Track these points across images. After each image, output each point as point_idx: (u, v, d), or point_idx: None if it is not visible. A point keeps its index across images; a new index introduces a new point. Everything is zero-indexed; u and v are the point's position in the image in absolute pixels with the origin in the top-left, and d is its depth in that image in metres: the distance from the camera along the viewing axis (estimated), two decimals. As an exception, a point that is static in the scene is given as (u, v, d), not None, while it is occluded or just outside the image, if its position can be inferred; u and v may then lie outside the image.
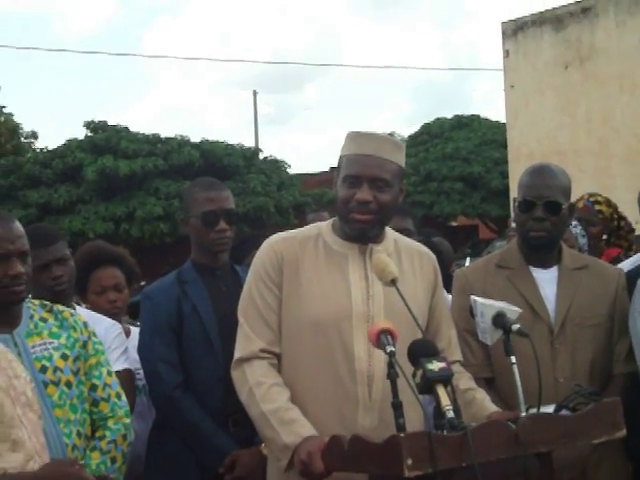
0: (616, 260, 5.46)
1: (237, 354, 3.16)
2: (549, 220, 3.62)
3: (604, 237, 5.83)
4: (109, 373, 3.32)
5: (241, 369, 3.13)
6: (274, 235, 3.30)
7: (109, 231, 27.41)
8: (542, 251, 3.70)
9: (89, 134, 29.89)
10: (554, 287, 3.67)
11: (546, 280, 3.68)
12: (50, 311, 3.26)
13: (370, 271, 3.14)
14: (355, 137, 3.21)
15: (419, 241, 4.40)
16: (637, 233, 9.54)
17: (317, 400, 3.07)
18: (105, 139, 28.60)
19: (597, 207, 5.78)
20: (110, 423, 3.23)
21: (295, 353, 3.11)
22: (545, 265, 3.71)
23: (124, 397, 3.35)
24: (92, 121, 30.21)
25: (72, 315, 3.31)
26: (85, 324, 3.33)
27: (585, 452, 3.36)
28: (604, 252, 5.75)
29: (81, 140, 29.37)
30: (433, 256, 3.42)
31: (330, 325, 3.08)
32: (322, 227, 3.29)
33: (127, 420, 3.29)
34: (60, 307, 3.32)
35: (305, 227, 3.38)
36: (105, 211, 27.80)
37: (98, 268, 4.53)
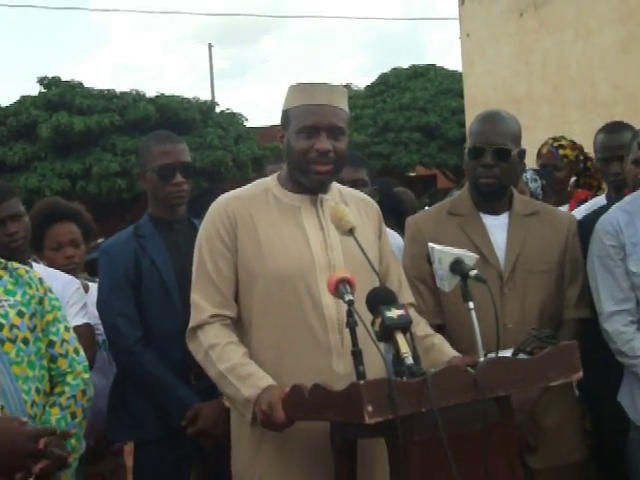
0: (584, 203, 5.51)
1: (190, 324, 3.16)
2: (498, 166, 3.63)
3: (572, 180, 5.86)
4: (67, 329, 3.30)
5: (194, 337, 3.14)
6: (221, 196, 3.27)
7: (66, 188, 27.16)
8: (492, 197, 3.71)
9: (43, 90, 29.52)
10: (504, 233, 3.69)
11: (496, 226, 3.70)
12: (5, 268, 3.22)
13: (324, 221, 3.16)
14: (304, 88, 3.18)
15: (375, 190, 4.42)
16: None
17: (291, 352, 3.07)
18: (59, 95, 28.26)
19: (561, 152, 5.80)
20: (69, 379, 3.21)
21: (264, 309, 3.10)
22: (496, 212, 3.73)
23: (82, 352, 3.33)
24: (45, 77, 29.80)
25: (27, 272, 3.28)
26: (41, 280, 3.30)
27: (533, 396, 3.41)
28: (573, 195, 5.78)
29: (35, 96, 29.00)
30: (375, 203, 3.44)
31: (296, 277, 3.08)
32: (268, 182, 3.28)
33: (86, 375, 3.28)
34: (15, 264, 3.28)
35: (250, 184, 3.35)
36: (61, 168, 27.55)
37: (54, 224, 4.49)
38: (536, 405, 3.52)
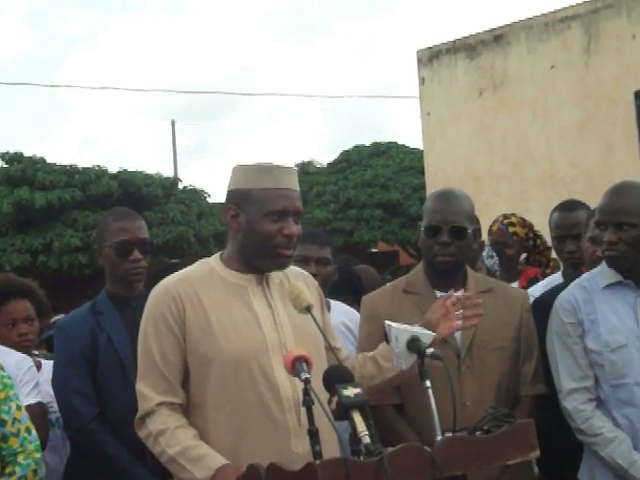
0: (534, 281, 5.56)
1: (137, 415, 3.10)
2: (454, 244, 3.66)
3: (523, 257, 5.91)
4: (18, 407, 3.26)
5: (143, 425, 3.08)
6: (165, 279, 3.20)
7: (26, 263, 26.98)
8: (448, 275, 3.73)
9: (4, 166, 29.45)
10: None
11: None
12: None
13: (272, 299, 3.15)
14: (267, 170, 3.16)
15: (335, 268, 4.43)
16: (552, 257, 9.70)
17: (249, 434, 3.03)
18: (21, 170, 28.20)
19: (511, 229, 5.86)
20: (20, 458, 3.16)
21: (219, 392, 3.05)
22: (450, 289, 3.73)
23: (34, 432, 3.28)
24: (7, 152, 29.77)
25: None
26: None
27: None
28: (523, 273, 5.83)
29: (-4, 172, 28.92)
30: (313, 278, 3.43)
31: (249, 358, 3.05)
32: (211, 262, 3.24)
33: (37, 455, 3.23)
34: None
35: (193, 265, 3.30)
36: (21, 243, 27.37)
37: (8, 301, 4.45)
38: None
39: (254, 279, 3.17)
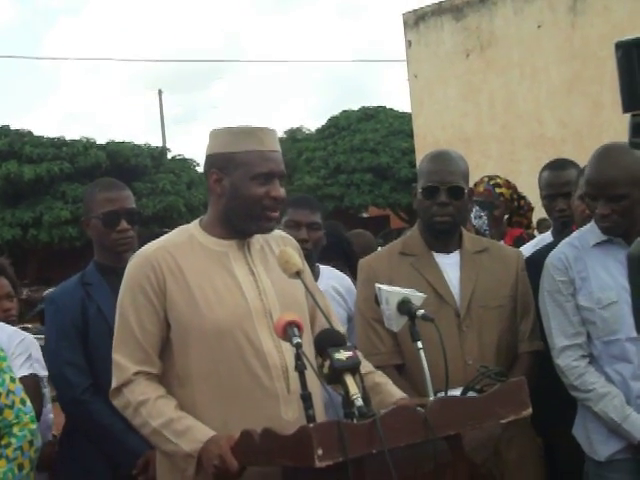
0: (519, 239, 5.59)
1: (113, 384, 3.04)
2: (452, 205, 3.66)
3: (506, 217, 5.94)
4: (12, 379, 3.26)
5: (120, 395, 3.02)
6: (143, 247, 3.14)
7: (17, 237, 26.97)
8: (446, 236, 3.73)
9: (-9, 139, 29.33)
10: (457, 271, 3.71)
11: (449, 265, 3.72)
12: None
13: (253, 265, 3.10)
14: (251, 132, 3.08)
15: (325, 234, 4.41)
16: (540, 217, 9.73)
17: (238, 403, 2.99)
18: (8, 144, 28.11)
19: (497, 190, 5.87)
20: (15, 430, 3.17)
21: (205, 361, 3.00)
22: (447, 250, 3.75)
23: (29, 403, 3.29)
24: (-6, 126, 29.65)
25: None
26: None
27: (496, 432, 3.41)
28: (507, 232, 5.85)
29: (-17, 146, 28.81)
30: (292, 238, 3.37)
31: (234, 327, 3.00)
32: (191, 229, 3.17)
33: (33, 426, 3.23)
34: None
35: (171, 232, 3.23)
36: (12, 217, 27.34)
37: None
38: (499, 441, 3.53)
39: (235, 245, 3.12)
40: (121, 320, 3.07)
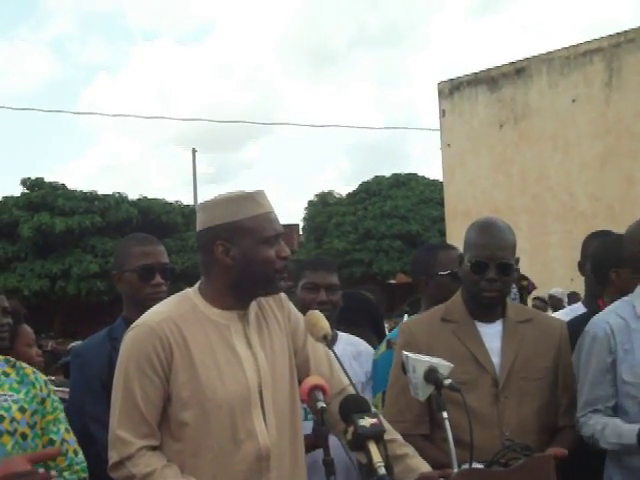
0: None
1: (114, 458, 2.97)
2: (501, 280, 3.61)
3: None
4: (67, 430, 3.28)
5: (123, 468, 2.96)
6: (148, 315, 3.08)
7: (45, 288, 27.13)
8: (492, 308, 3.70)
9: (25, 191, 29.67)
10: (499, 341, 3.66)
11: (491, 334, 3.68)
12: (13, 366, 3.25)
13: (251, 337, 3.08)
14: (249, 198, 3.08)
15: (342, 296, 4.39)
16: (572, 290, 9.67)
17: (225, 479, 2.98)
18: (42, 196, 28.42)
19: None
20: (66, 474, 3.18)
21: (200, 438, 2.98)
22: (490, 319, 3.70)
23: (82, 456, 3.29)
24: (29, 178, 30.03)
25: (34, 372, 3.29)
26: (46, 382, 3.32)
27: None
28: None
29: (17, 197, 29.15)
30: (284, 295, 3.31)
31: (234, 407, 2.98)
32: (192, 297, 3.12)
33: (84, 474, 3.23)
34: (23, 364, 3.30)
35: (172, 299, 3.18)
36: (41, 268, 27.53)
37: (21, 323, 4.50)
38: None
39: (236, 317, 3.09)
40: (125, 392, 3.00)
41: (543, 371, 3.65)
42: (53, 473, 2.93)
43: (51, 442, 3.19)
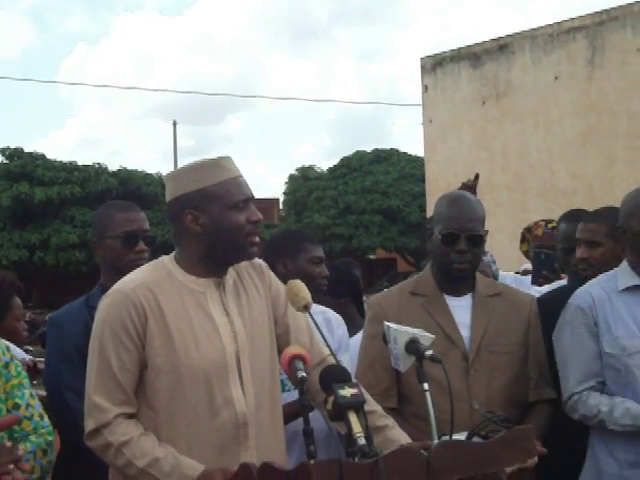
0: None
1: (90, 425, 2.92)
2: (471, 252, 3.62)
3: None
4: (32, 395, 3.24)
5: (99, 436, 2.92)
6: (123, 282, 3.04)
7: (23, 258, 27.01)
8: (461, 281, 3.70)
9: (4, 161, 29.50)
10: (468, 314, 3.67)
11: (460, 307, 3.68)
12: None
13: (227, 304, 3.05)
14: (215, 164, 3.04)
15: (340, 271, 4.37)
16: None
17: (201, 449, 2.95)
18: (21, 166, 28.26)
19: (556, 232, 5.95)
20: (32, 437, 3.14)
21: (174, 405, 2.95)
22: (459, 293, 3.71)
23: (47, 419, 3.25)
24: (7, 148, 29.83)
25: None
26: (8, 347, 3.28)
27: None
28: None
29: (-4, 166, 28.97)
30: (262, 262, 3.28)
31: (210, 374, 2.96)
32: (167, 265, 3.09)
33: (50, 437, 3.20)
34: None
35: (148, 266, 3.14)
36: (19, 238, 27.41)
37: (14, 296, 4.44)
38: None
39: (213, 284, 3.06)
40: (100, 359, 2.97)
41: (513, 345, 3.66)
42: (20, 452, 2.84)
43: (16, 406, 3.15)
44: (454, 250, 3.61)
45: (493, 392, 3.56)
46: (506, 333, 3.65)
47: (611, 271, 3.72)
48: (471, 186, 5.04)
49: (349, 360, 4.00)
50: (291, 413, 3.40)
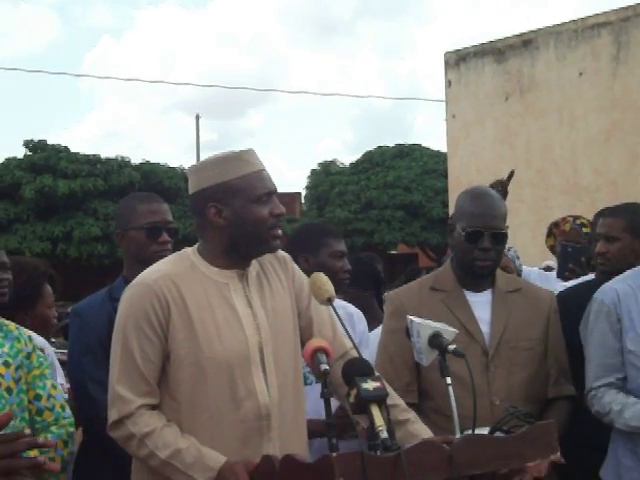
0: None
1: (113, 416, 2.96)
2: (495, 249, 3.61)
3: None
4: (54, 386, 3.25)
5: (122, 427, 2.95)
6: (146, 274, 3.07)
7: (46, 250, 27.14)
8: (484, 278, 3.69)
9: (28, 153, 29.63)
10: (488, 310, 3.66)
11: (480, 303, 3.68)
12: None
13: (251, 296, 3.06)
14: (238, 157, 3.05)
15: (365, 265, 4.39)
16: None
17: (223, 441, 2.94)
18: (44, 159, 28.38)
19: (584, 229, 5.95)
20: (53, 428, 3.15)
21: (197, 396, 2.97)
22: (479, 288, 3.70)
23: (69, 410, 3.26)
24: (31, 140, 29.96)
25: (17, 328, 3.26)
26: (30, 337, 3.29)
27: None
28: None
29: (20, 159, 29.11)
30: (281, 250, 3.27)
31: (231, 364, 2.96)
32: (191, 256, 3.10)
33: (71, 429, 3.20)
34: (5, 321, 3.26)
35: (171, 258, 3.17)
36: (42, 230, 27.54)
37: (45, 283, 4.47)
38: None
39: (236, 276, 3.07)
40: (123, 350, 2.99)
41: (532, 341, 3.66)
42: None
43: (37, 397, 3.16)
44: (478, 248, 3.60)
45: (513, 388, 3.56)
46: (526, 329, 3.65)
47: (638, 267, 3.70)
48: (504, 184, 5.02)
49: (369, 355, 4.00)
50: (315, 431, 3.38)
